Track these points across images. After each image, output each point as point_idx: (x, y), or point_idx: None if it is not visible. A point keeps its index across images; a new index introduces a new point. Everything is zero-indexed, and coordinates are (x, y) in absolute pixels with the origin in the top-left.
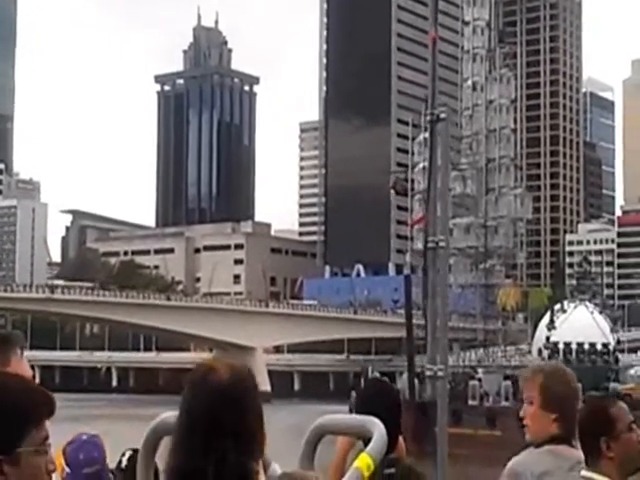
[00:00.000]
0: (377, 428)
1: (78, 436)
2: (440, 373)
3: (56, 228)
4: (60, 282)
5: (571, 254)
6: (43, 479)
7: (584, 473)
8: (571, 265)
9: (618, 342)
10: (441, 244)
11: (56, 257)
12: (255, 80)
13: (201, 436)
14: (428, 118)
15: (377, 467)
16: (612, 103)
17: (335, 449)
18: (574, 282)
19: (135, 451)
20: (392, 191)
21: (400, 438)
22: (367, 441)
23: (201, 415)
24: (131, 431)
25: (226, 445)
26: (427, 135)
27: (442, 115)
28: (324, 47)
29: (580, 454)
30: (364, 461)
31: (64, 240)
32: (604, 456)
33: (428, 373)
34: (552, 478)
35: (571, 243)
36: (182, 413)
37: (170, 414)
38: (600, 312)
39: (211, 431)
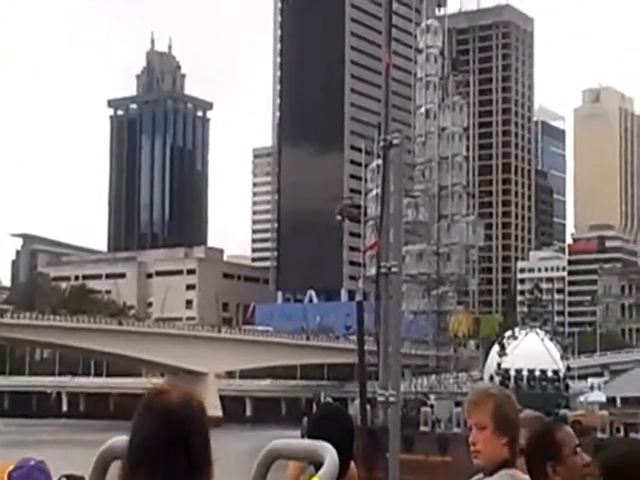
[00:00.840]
0: (329, 453)
1: (24, 461)
2: (392, 399)
3: (6, 252)
4: (9, 307)
5: (522, 281)
6: None
7: None
8: (522, 292)
9: (568, 369)
10: (393, 269)
11: (6, 281)
12: (208, 105)
13: (150, 456)
14: (381, 144)
15: None
16: (563, 132)
17: (287, 474)
18: (525, 309)
19: (69, 477)
20: (338, 217)
21: (352, 463)
22: (319, 466)
23: (150, 436)
24: (80, 456)
25: (174, 466)
26: (380, 162)
27: (395, 141)
28: (278, 73)
29: (527, 478)
30: None
31: (14, 264)
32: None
33: (380, 399)
34: None
35: (522, 270)
36: (132, 434)
37: (119, 438)
38: (551, 339)
39: (160, 452)
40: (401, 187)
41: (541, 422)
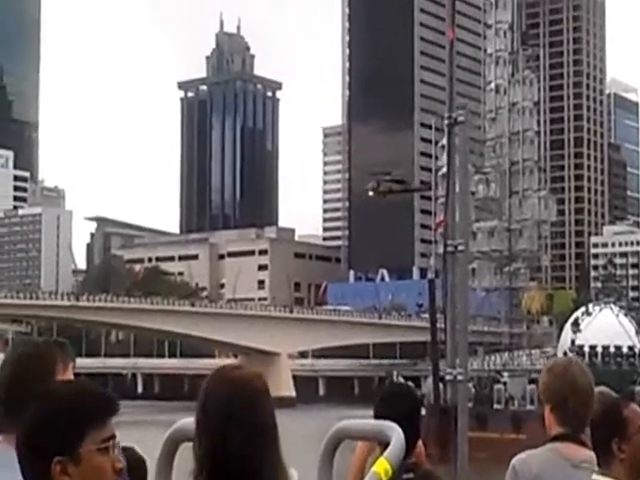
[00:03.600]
0: (395, 433)
1: None
2: (460, 377)
3: (81, 235)
4: (84, 290)
5: (596, 256)
6: (107, 477)
7: (595, 477)
8: (596, 267)
9: None
10: (460, 248)
11: (81, 264)
12: (278, 85)
13: (217, 429)
14: (446, 122)
15: (395, 472)
16: (636, 104)
17: (355, 454)
18: (599, 285)
19: (125, 449)
20: (371, 193)
21: (420, 443)
22: (385, 446)
23: (216, 410)
24: (155, 437)
25: (242, 439)
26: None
27: (460, 118)
28: (347, 51)
29: (588, 453)
30: (382, 466)
31: (89, 247)
32: (615, 457)
33: (448, 377)
34: (550, 476)
35: (596, 245)
36: (199, 410)
37: (188, 420)
38: (625, 315)
39: (226, 425)
40: (466, 164)
41: (606, 398)
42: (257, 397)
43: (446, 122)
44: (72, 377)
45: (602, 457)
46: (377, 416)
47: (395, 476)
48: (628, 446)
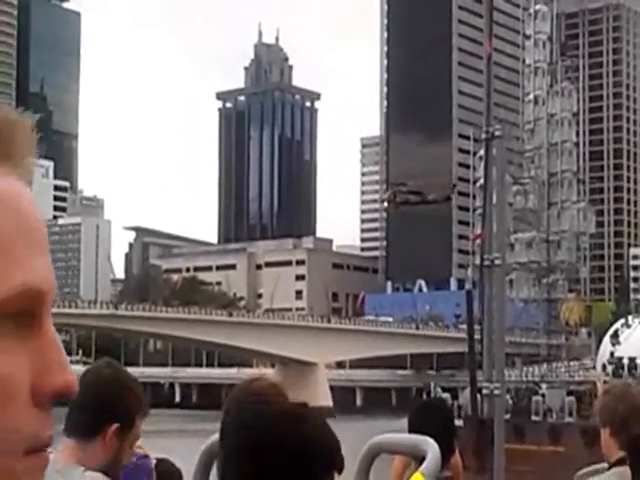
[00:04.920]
0: (431, 447)
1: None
2: (496, 392)
3: (120, 245)
4: (123, 299)
5: (636, 268)
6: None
7: None
8: (636, 279)
9: None
10: (497, 262)
11: (120, 273)
12: (316, 96)
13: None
14: (483, 136)
15: None
16: None
17: (392, 468)
18: (639, 296)
19: (162, 461)
20: (385, 204)
21: (457, 456)
22: (421, 460)
23: (229, 423)
24: (193, 446)
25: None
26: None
27: (497, 132)
28: (385, 62)
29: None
30: None
31: (127, 257)
32: None
33: (485, 391)
34: None
35: (636, 257)
36: (224, 424)
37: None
38: None
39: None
40: (503, 178)
41: None
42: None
43: (483, 136)
44: None
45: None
46: (411, 430)
47: None
48: None
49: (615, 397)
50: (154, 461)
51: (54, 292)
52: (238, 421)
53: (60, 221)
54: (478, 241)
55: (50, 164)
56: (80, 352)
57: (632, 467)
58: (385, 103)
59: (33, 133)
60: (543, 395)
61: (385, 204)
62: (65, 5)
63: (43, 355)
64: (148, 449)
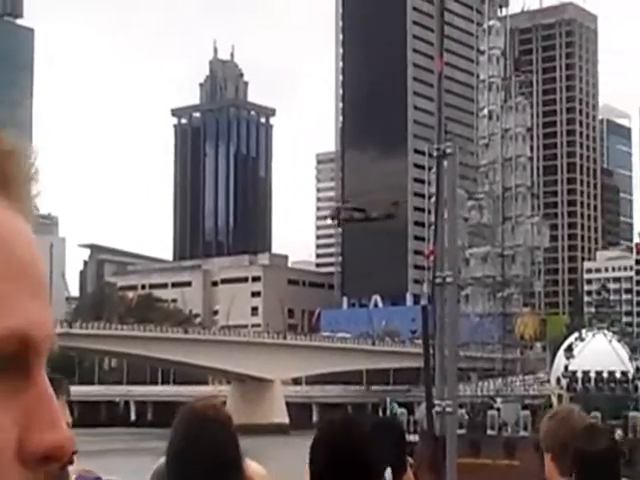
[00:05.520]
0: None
1: (82, 478)
2: (448, 409)
3: (74, 262)
4: (77, 317)
5: (589, 282)
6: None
7: None
8: (589, 293)
9: (637, 370)
10: (448, 280)
11: (74, 291)
12: (271, 112)
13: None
14: (435, 153)
15: None
16: (629, 130)
17: None
18: (592, 310)
19: None
20: (329, 220)
21: (409, 474)
22: None
23: (172, 444)
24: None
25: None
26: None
27: (449, 150)
28: (340, 78)
29: None
30: None
31: (82, 274)
32: None
33: (437, 409)
34: None
35: (589, 271)
36: (171, 446)
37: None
38: (619, 340)
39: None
40: (455, 196)
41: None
42: (229, 431)
43: (435, 154)
44: (66, 414)
45: None
46: None
47: None
48: None
49: (557, 422)
50: None
51: (51, 340)
52: (183, 442)
53: None
54: (431, 259)
55: None
56: None
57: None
58: (341, 119)
59: (33, 163)
60: (498, 409)
61: (329, 221)
62: (19, 21)
63: (32, 410)
64: (100, 468)
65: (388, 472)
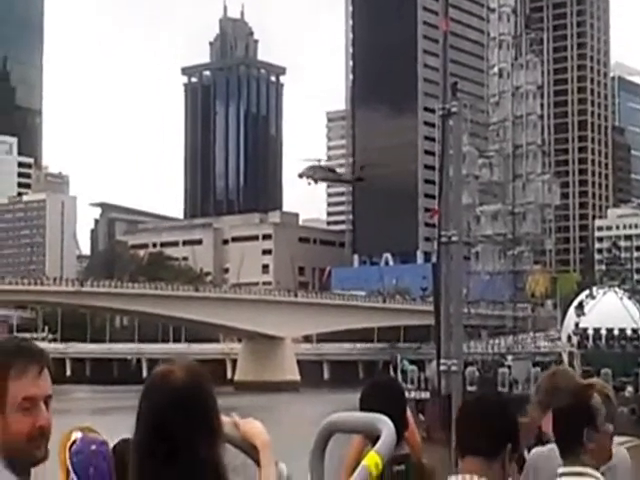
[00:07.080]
0: (385, 426)
1: (85, 443)
2: (454, 368)
3: (85, 221)
4: (89, 275)
5: (600, 239)
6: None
7: (561, 470)
8: (600, 251)
9: None
10: (453, 239)
11: (85, 250)
12: (282, 70)
13: (156, 436)
14: (439, 113)
15: (385, 465)
16: None
17: (351, 447)
18: (603, 268)
19: (126, 441)
20: (303, 177)
21: (413, 430)
22: (376, 439)
23: (156, 416)
24: None
25: (179, 445)
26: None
27: (454, 109)
28: (350, 36)
29: None
30: (372, 459)
31: (93, 233)
32: (585, 447)
33: (442, 368)
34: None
35: (600, 228)
36: (139, 415)
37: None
38: (629, 298)
39: (166, 430)
40: (460, 156)
41: (576, 386)
42: (200, 402)
43: (440, 113)
44: (47, 382)
45: (570, 447)
46: (362, 409)
47: (385, 469)
48: (598, 435)
49: (547, 377)
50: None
51: None
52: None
53: (25, 198)
54: (436, 217)
55: (14, 140)
56: (46, 329)
57: (557, 442)
58: (351, 77)
59: None
60: (509, 367)
61: (303, 178)
62: None
63: None
64: (112, 425)
65: (389, 430)
